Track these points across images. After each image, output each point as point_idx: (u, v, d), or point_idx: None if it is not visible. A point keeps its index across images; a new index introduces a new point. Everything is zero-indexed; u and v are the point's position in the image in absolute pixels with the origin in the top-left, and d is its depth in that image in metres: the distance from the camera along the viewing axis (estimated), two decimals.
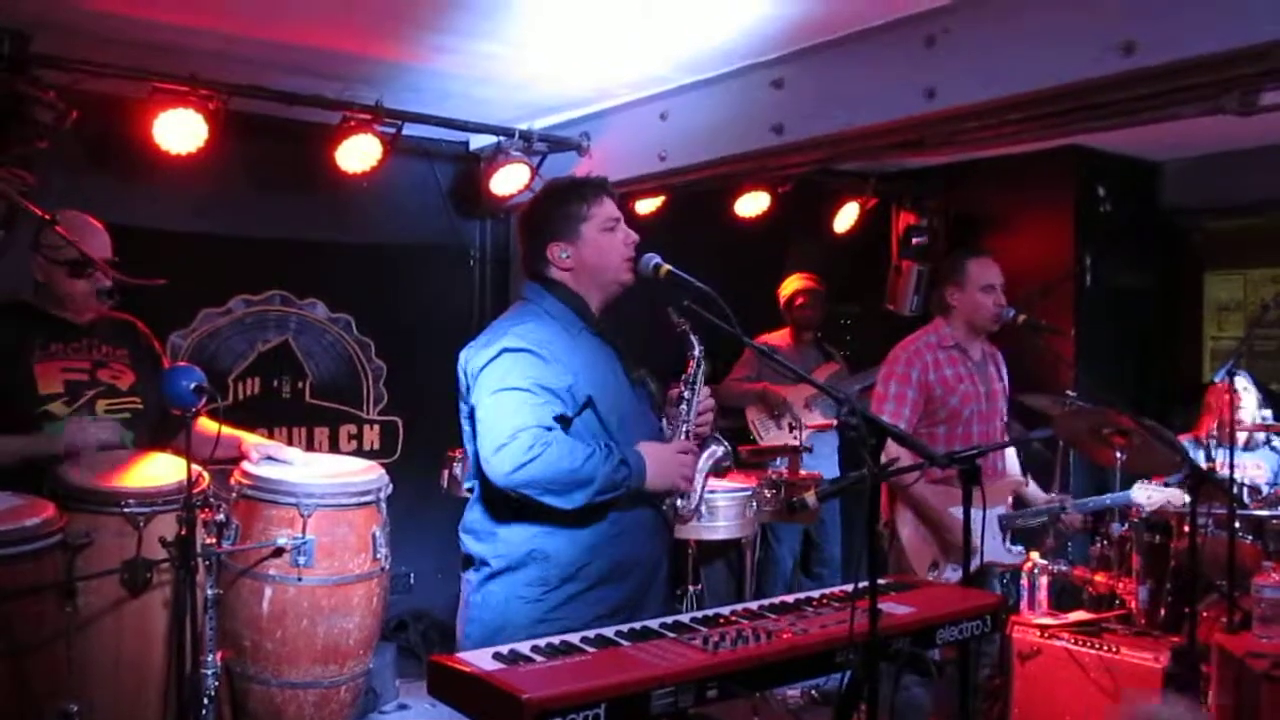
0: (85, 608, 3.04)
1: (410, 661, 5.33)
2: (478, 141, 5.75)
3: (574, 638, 2.26)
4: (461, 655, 2.15)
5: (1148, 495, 4.03)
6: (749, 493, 4.68)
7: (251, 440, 3.87)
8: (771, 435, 5.82)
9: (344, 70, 4.54)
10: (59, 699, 2.86)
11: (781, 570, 5.85)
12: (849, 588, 2.51)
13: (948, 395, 4.07)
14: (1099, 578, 4.16)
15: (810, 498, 3.65)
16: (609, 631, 2.31)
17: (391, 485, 3.92)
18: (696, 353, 2.83)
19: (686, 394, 2.84)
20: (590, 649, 2.20)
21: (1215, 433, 4.89)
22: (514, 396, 2.64)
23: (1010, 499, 4.14)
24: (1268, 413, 4.95)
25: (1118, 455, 4.03)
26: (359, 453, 5.56)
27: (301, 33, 4.12)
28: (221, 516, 3.39)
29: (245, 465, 3.77)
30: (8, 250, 3.77)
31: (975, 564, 3.40)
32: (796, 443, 5.10)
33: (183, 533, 3.10)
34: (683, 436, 2.81)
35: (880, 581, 2.29)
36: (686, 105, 4.74)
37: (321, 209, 5.38)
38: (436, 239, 5.91)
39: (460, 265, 6.03)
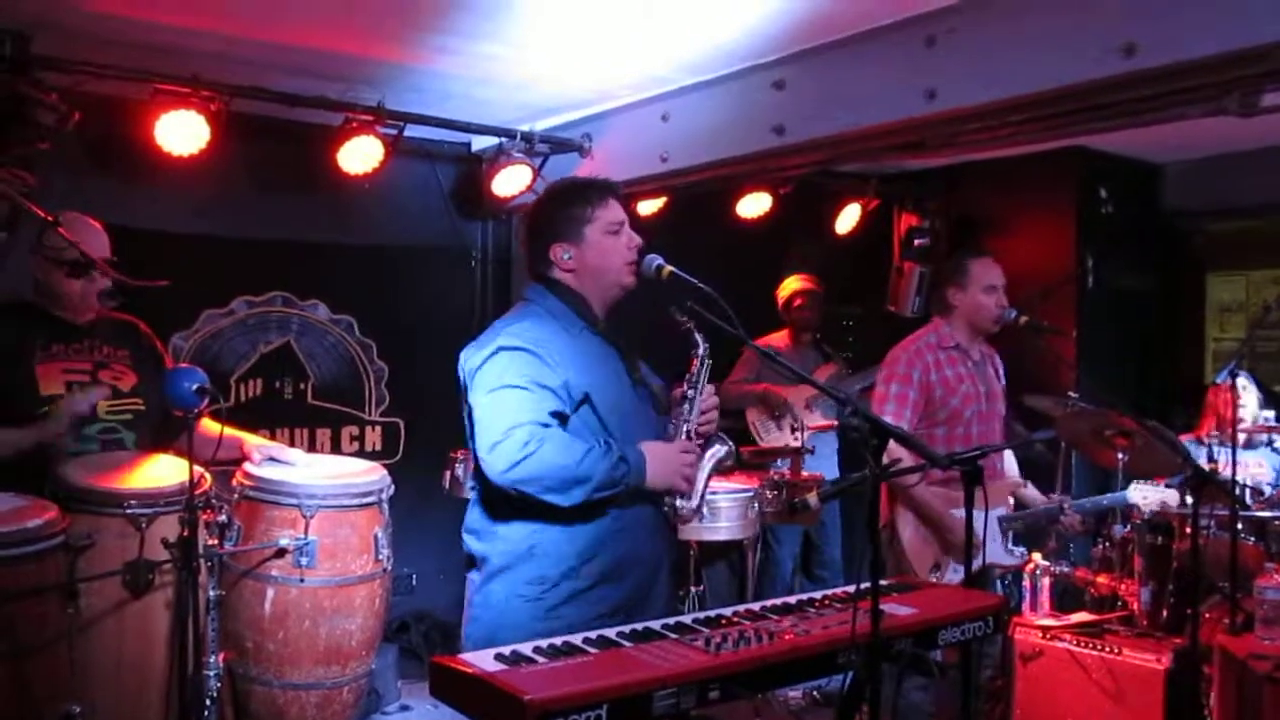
0: (87, 609, 3.05)
1: (412, 662, 5.33)
2: (479, 143, 5.75)
3: (576, 638, 2.26)
4: (463, 656, 2.15)
5: (1144, 496, 4.03)
6: (751, 493, 4.68)
7: (253, 441, 3.87)
8: (772, 436, 5.82)
9: (346, 71, 4.54)
10: (61, 700, 2.86)
11: (781, 573, 5.85)
12: (851, 589, 2.51)
13: (949, 396, 4.07)
14: (1101, 579, 4.16)
15: (812, 498, 3.66)
16: (611, 632, 2.31)
17: (393, 486, 3.93)
18: (701, 351, 2.82)
19: (690, 393, 2.83)
20: (592, 650, 2.20)
21: (1216, 433, 4.88)
22: (510, 394, 2.65)
23: (1010, 500, 4.14)
24: (1269, 413, 4.95)
25: (1120, 457, 4.03)
26: (361, 454, 5.57)
27: (303, 34, 4.12)
28: (224, 518, 3.40)
29: (247, 466, 3.77)
30: (10, 251, 3.78)
31: (976, 565, 3.40)
32: (798, 444, 5.10)
33: (185, 534, 3.10)
34: (684, 436, 2.81)
35: (882, 582, 2.29)
36: (688, 106, 4.74)
37: (323, 210, 5.39)
38: (438, 240, 5.91)
39: (462, 266, 6.03)
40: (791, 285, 6.11)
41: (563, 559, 2.70)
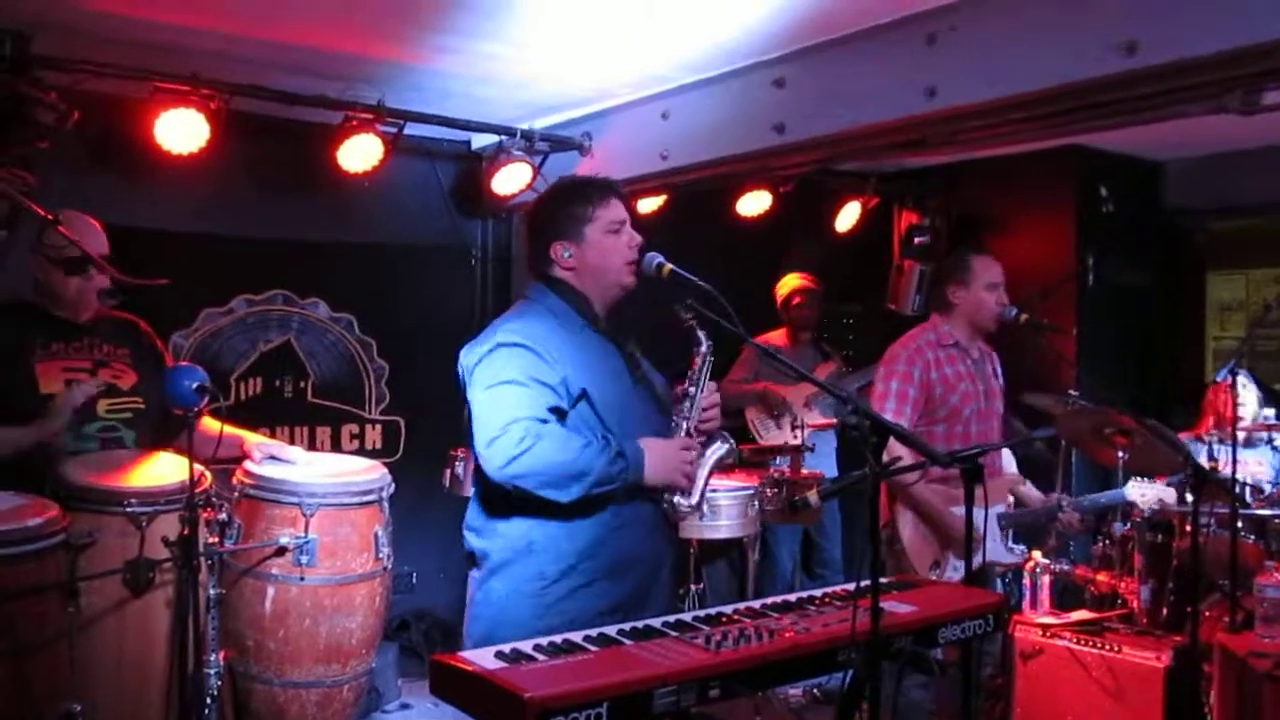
0: (88, 607, 3.05)
1: (413, 661, 5.33)
2: (479, 141, 5.75)
3: (576, 636, 2.26)
4: (464, 654, 2.15)
5: (1141, 493, 4.03)
6: (751, 491, 4.68)
7: (254, 440, 3.87)
8: (771, 435, 5.82)
9: (346, 70, 4.54)
10: (61, 699, 2.86)
11: (781, 572, 5.85)
12: (851, 586, 2.51)
13: (949, 394, 4.07)
14: (1101, 577, 4.16)
15: (812, 496, 3.67)
16: (611, 630, 2.31)
17: (394, 485, 3.93)
18: (704, 348, 2.83)
19: (691, 390, 2.84)
20: (592, 648, 2.20)
21: (1214, 432, 4.88)
22: (507, 390, 2.66)
23: (1010, 498, 4.15)
24: (1269, 412, 4.94)
25: (1120, 455, 4.03)
26: (361, 452, 5.57)
27: (303, 33, 4.12)
28: (224, 516, 3.40)
29: (248, 465, 3.77)
30: (10, 250, 3.77)
31: (976, 562, 3.40)
32: (798, 442, 5.10)
33: (185, 532, 3.10)
34: (685, 432, 2.81)
35: (882, 580, 2.30)
36: (688, 104, 4.73)
37: (323, 209, 5.38)
38: (438, 239, 5.91)
39: (462, 265, 6.03)
40: (790, 283, 6.11)
41: (562, 555, 2.70)
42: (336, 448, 5.55)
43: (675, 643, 2.22)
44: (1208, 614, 3.89)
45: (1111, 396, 4.24)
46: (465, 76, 4.62)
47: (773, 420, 5.85)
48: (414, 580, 5.58)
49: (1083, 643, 3.77)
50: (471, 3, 3.77)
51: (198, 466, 3.14)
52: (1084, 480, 5.50)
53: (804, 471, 4.99)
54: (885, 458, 2.37)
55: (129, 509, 3.13)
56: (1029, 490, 4.24)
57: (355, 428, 5.68)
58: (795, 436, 5.15)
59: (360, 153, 4.85)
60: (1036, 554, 4.09)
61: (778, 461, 5.26)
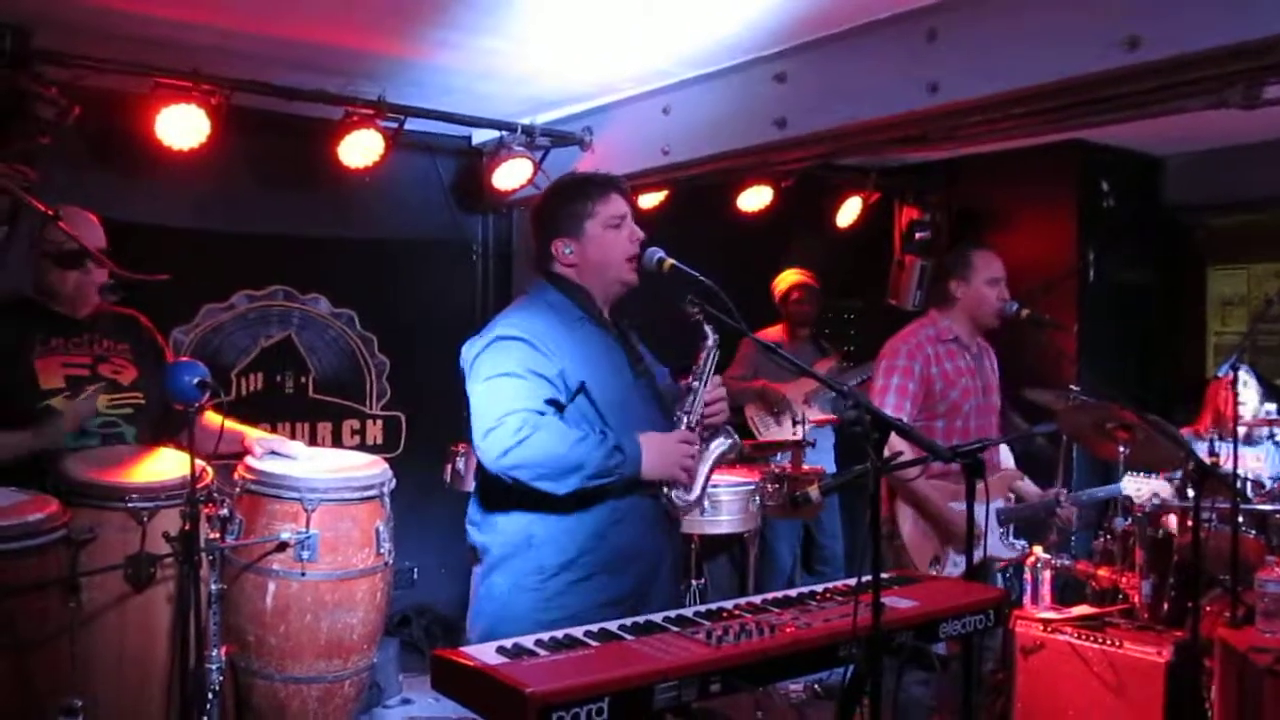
0: (89, 603, 3.05)
1: (414, 656, 5.34)
2: (480, 136, 5.75)
3: (577, 631, 2.26)
4: (465, 649, 2.15)
5: (1136, 488, 4.04)
6: (752, 487, 4.68)
7: (255, 435, 3.87)
8: (770, 432, 5.82)
9: (346, 65, 4.53)
10: (63, 694, 2.86)
11: (780, 568, 5.85)
12: (852, 582, 2.51)
13: (949, 389, 4.06)
14: (1102, 572, 4.16)
15: (814, 492, 3.66)
16: (612, 625, 2.31)
17: (395, 480, 3.93)
18: (710, 342, 2.83)
19: (694, 384, 2.84)
20: (593, 643, 2.20)
21: (1214, 429, 4.88)
22: (505, 382, 2.67)
23: (1008, 493, 4.14)
24: (1271, 407, 4.94)
25: (1121, 450, 4.02)
26: (362, 448, 5.56)
27: (304, 28, 4.11)
28: (225, 511, 3.40)
29: (249, 460, 3.77)
30: (10, 247, 3.77)
31: (976, 557, 3.40)
32: (799, 437, 5.10)
33: (186, 528, 3.10)
34: (686, 426, 2.81)
35: (883, 575, 2.29)
36: (689, 99, 4.73)
37: (324, 204, 5.38)
38: (439, 234, 5.91)
39: (463, 260, 6.03)
40: (789, 279, 6.10)
41: (561, 549, 2.71)
42: (337, 443, 5.55)
43: (676, 638, 2.22)
44: (1208, 609, 3.89)
45: (1113, 392, 4.24)
46: (466, 72, 4.62)
47: (772, 418, 5.85)
48: (415, 575, 5.59)
49: (1084, 638, 3.77)
50: None
51: (199, 462, 3.14)
52: (1085, 476, 5.49)
53: (805, 467, 4.99)
54: (885, 453, 2.37)
55: (130, 504, 3.12)
56: (1027, 485, 4.24)
57: (356, 423, 5.68)
58: (795, 433, 5.15)
59: (361, 148, 4.85)
60: (1038, 549, 4.09)
61: (778, 457, 5.26)
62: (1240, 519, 3.84)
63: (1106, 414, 4.07)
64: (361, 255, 5.62)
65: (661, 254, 2.80)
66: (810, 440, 5.20)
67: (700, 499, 2.86)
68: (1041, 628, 3.86)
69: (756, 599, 2.58)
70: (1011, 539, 4.08)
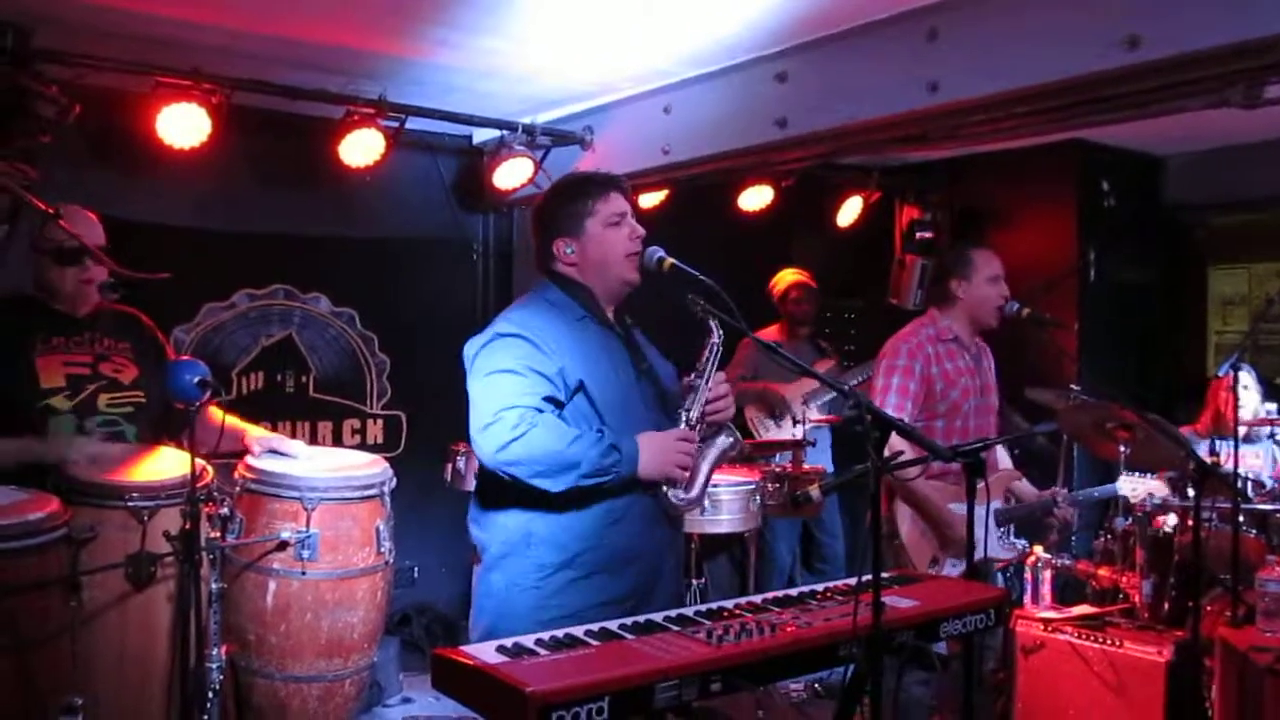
0: (90, 602, 3.04)
1: (414, 655, 5.34)
2: (481, 135, 5.75)
3: (578, 630, 2.26)
4: (465, 648, 2.15)
5: (1133, 487, 4.04)
6: (752, 486, 4.68)
7: (255, 433, 3.87)
8: (770, 433, 5.81)
9: (347, 65, 4.53)
10: (63, 693, 2.86)
11: (780, 568, 5.85)
12: (852, 581, 2.51)
13: (949, 389, 4.06)
14: (1102, 572, 4.15)
15: (814, 491, 3.65)
16: (612, 624, 2.31)
17: (395, 479, 3.93)
18: (714, 338, 2.82)
19: (696, 381, 2.83)
20: (594, 642, 2.20)
21: (1212, 429, 4.88)
22: (503, 378, 2.68)
23: (1006, 494, 4.14)
24: (1271, 406, 4.94)
25: (1121, 449, 4.02)
26: (362, 447, 5.56)
27: (305, 27, 4.11)
28: (225, 510, 3.39)
29: (249, 459, 3.76)
30: (10, 245, 3.77)
31: (976, 557, 3.39)
32: (800, 437, 5.10)
33: (187, 527, 3.10)
34: (686, 424, 2.80)
35: (883, 575, 2.29)
36: (690, 99, 4.73)
37: (325, 203, 5.38)
38: (440, 233, 5.91)
39: (464, 260, 6.03)
40: (787, 278, 6.09)
41: (560, 548, 2.71)
42: (338, 442, 5.55)
43: (677, 637, 2.22)
44: (1209, 609, 3.89)
45: (1113, 391, 4.24)
46: (467, 71, 4.62)
47: (772, 420, 5.84)
48: (415, 575, 5.59)
49: (1084, 637, 3.77)
50: None
51: (199, 461, 3.14)
52: (1086, 475, 5.49)
53: (805, 466, 4.99)
54: (886, 453, 2.36)
55: (130, 503, 3.12)
56: (1024, 486, 4.24)
57: (357, 422, 5.68)
58: (795, 433, 5.15)
59: (362, 147, 4.85)
60: (1038, 549, 4.09)
61: (779, 457, 5.26)
62: (1241, 518, 3.84)
63: (1107, 413, 4.07)
64: (362, 254, 5.62)
65: (661, 253, 2.80)
66: (811, 440, 5.21)
67: (700, 498, 2.85)
68: (1042, 627, 3.86)
69: (757, 598, 2.58)
70: (1011, 539, 4.08)
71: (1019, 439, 4.56)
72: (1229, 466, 3.80)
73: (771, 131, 4.31)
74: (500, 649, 2.13)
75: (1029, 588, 4.05)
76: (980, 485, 2.68)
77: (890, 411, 3.85)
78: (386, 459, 4.03)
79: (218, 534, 3.32)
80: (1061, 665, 3.80)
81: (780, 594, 2.64)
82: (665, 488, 2.78)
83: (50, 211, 3.31)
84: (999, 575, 4.15)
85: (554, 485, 2.64)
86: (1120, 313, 6.16)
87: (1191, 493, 3.66)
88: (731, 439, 2.88)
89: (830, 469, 5.78)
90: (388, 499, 3.84)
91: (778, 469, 4.92)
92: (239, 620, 3.64)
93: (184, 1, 3.82)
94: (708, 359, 2.84)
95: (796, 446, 5.06)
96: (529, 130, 5.23)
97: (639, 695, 2.00)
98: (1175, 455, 3.97)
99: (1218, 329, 6.40)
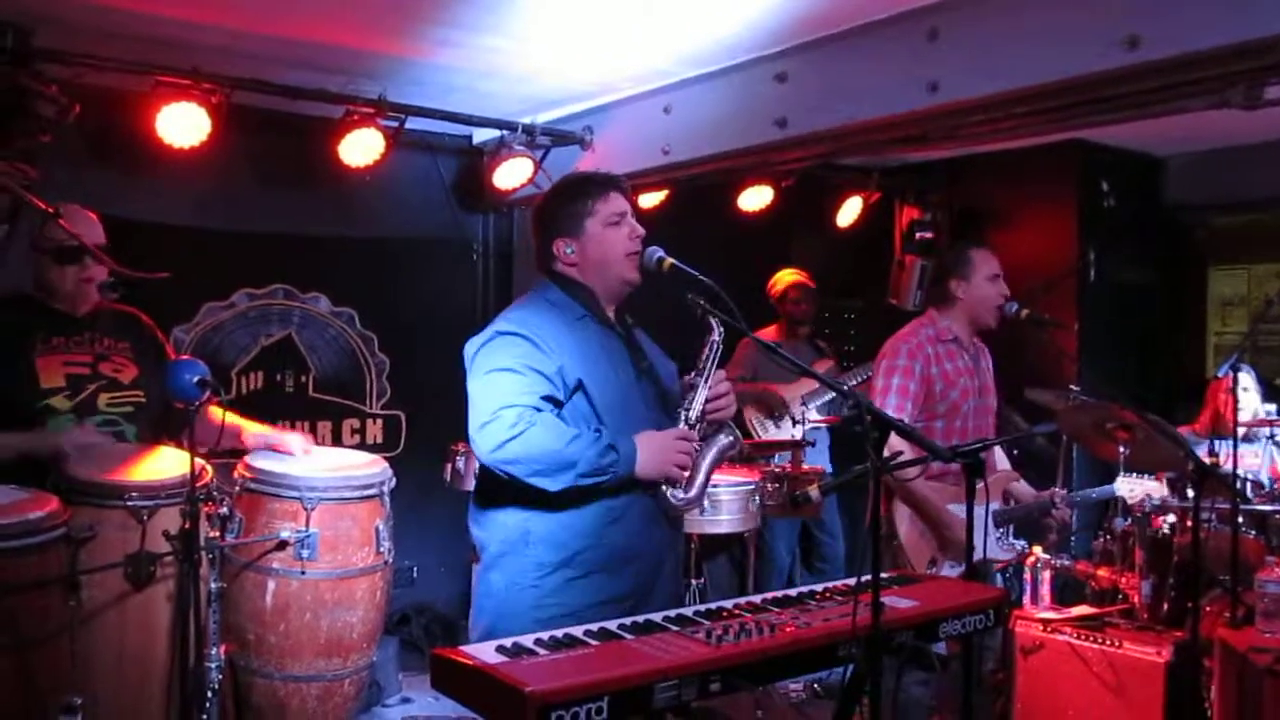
0: (89, 601, 3.04)
1: (413, 655, 5.34)
2: (481, 135, 5.75)
3: (577, 630, 2.26)
4: (464, 648, 2.15)
5: (1130, 488, 4.04)
6: (752, 486, 4.68)
7: (253, 430, 3.85)
8: (769, 434, 5.81)
9: (347, 64, 4.53)
10: (63, 693, 2.86)
11: (779, 568, 5.85)
12: (852, 581, 2.51)
13: (949, 389, 4.05)
14: (1102, 572, 4.16)
15: (814, 491, 3.65)
16: (612, 624, 2.31)
17: (394, 479, 3.93)
18: (715, 335, 2.81)
19: (696, 380, 2.83)
20: (593, 642, 2.20)
21: (1212, 427, 4.88)
22: (502, 377, 2.68)
23: (1004, 495, 4.14)
24: (1271, 407, 4.94)
25: (1121, 450, 4.02)
26: (362, 447, 5.56)
27: (305, 27, 4.11)
28: (225, 510, 3.39)
29: (248, 458, 3.77)
30: (10, 245, 3.77)
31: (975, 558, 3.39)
32: (799, 437, 5.10)
33: (186, 526, 3.10)
34: (685, 423, 2.80)
35: (883, 575, 2.29)
36: (690, 99, 4.73)
37: (325, 203, 5.38)
38: (440, 233, 5.91)
39: (464, 260, 6.03)
40: (786, 278, 6.08)
41: (559, 547, 2.71)
42: (337, 442, 5.55)
43: (676, 637, 2.22)
44: (1208, 609, 3.89)
45: (1113, 391, 4.24)
46: (467, 71, 4.62)
47: (771, 420, 5.84)
48: (415, 575, 5.59)
49: (1083, 638, 3.77)
50: None
51: (199, 460, 3.14)
52: (1086, 476, 5.50)
53: (804, 466, 4.99)
54: (885, 453, 2.36)
55: (130, 503, 3.12)
56: (1021, 487, 4.23)
57: (356, 422, 5.68)
58: (795, 433, 5.15)
59: (362, 147, 4.85)
60: (1037, 549, 4.09)
61: (778, 457, 5.26)
62: (1240, 519, 3.84)
63: (1106, 414, 4.07)
64: (362, 254, 5.62)
65: (661, 253, 2.80)
66: (810, 440, 5.21)
67: (700, 497, 2.84)
68: (1041, 628, 3.86)
69: (756, 598, 2.58)
70: (1010, 540, 4.08)
71: (1018, 439, 4.56)
72: (1228, 467, 3.80)
73: (771, 131, 4.31)
74: (500, 649, 2.13)
75: (1028, 588, 4.05)
76: (980, 486, 2.68)
77: (890, 412, 3.84)
78: (386, 459, 4.03)
79: (217, 533, 3.32)
80: (1061, 666, 3.80)
81: (779, 594, 2.64)
82: (665, 487, 2.78)
83: (50, 211, 3.31)
84: (998, 576, 4.14)
85: (551, 484, 2.64)
86: (1120, 313, 6.16)
87: (1191, 493, 3.66)
88: (731, 438, 2.87)
89: (829, 469, 5.78)
90: (387, 499, 3.84)
91: (777, 469, 4.92)
92: (238, 620, 3.64)
93: (184, 1, 3.82)
94: (708, 357, 2.83)
95: (796, 447, 5.06)
96: (529, 130, 5.23)
97: (638, 695, 2.00)
98: (1175, 456, 3.97)
99: (1217, 330, 6.40)
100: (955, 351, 4.12)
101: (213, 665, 3.30)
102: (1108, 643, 3.71)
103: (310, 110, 4.86)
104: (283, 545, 3.58)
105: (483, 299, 6.03)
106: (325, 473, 3.76)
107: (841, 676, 2.37)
